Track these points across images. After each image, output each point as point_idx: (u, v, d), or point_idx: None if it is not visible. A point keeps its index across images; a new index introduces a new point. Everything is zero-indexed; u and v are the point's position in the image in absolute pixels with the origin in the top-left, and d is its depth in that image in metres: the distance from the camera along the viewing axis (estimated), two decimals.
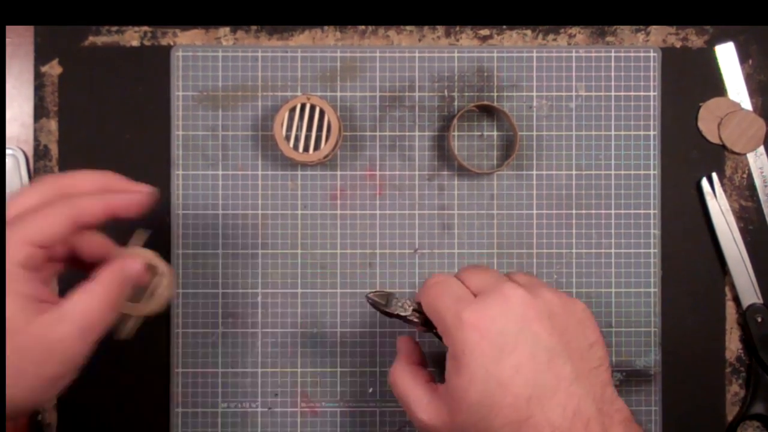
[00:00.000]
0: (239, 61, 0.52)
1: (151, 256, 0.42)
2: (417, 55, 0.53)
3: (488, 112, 0.53)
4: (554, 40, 0.53)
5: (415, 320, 0.42)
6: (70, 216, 0.38)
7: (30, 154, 0.52)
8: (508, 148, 0.53)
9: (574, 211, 0.53)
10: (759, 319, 0.51)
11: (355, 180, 0.53)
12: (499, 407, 0.37)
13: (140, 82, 0.52)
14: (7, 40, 0.53)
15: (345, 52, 0.53)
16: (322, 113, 0.50)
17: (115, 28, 0.52)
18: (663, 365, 0.52)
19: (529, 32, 0.53)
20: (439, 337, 0.41)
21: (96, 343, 0.38)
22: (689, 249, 0.52)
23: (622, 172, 0.53)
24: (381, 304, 0.43)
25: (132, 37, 0.52)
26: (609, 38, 0.53)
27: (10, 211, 0.39)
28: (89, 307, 0.38)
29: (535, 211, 0.53)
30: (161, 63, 0.52)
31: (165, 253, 0.52)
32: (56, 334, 0.36)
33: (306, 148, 0.50)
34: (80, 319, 0.37)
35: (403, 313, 0.42)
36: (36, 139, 0.52)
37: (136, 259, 0.41)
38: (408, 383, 0.42)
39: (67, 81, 0.52)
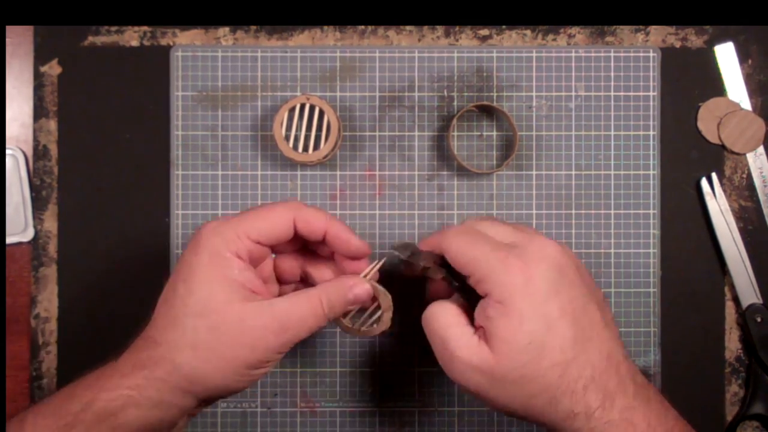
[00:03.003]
0: (239, 61, 0.52)
1: (379, 287, 0.44)
2: (416, 55, 0.53)
3: (488, 112, 0.53)
4: (554, 40, 0.53)
5: (440, 275, 0.42)
6: (289, 219, 0.41)
7: (30, 154, 0.52)
8: (507, 148, 0.53)
9: (573, 211, 0.53)
10: (758, 319, 0.51)
11: (354, 180, 0.53)
12: (549, 348, 0.38)
13: (140, 82, 0.52)
14: (7, 40, 0.53)
15: (344, 52, 0.53)
16: (321, 113, 0.50)
17: (114, 28, 0.52)
18: (663, 365, 0.52)
19: (528, 32, 0.53)
20: (465, 291, 0.41)
21: (294, 345, 0.40)
22: (689, 249, 0.52)
23: (622, 172, 0.53)
24: (406, 254, 0.43)
25: (131, 37, 0.52)
26: (609, 38, 0.53)
27: (242, 213, 0.42)
28: (297, 309, 0.40)
29: (534, 211, 0.52)
30: (161, 63, 0.52)
31: (165, 252, 0.52)
32: (254, 321, 0.39)
33: (306, 148, 0.50)
34: (282, 316, 0.39)
35: (428, 265, 0.43)
36: (36, 139, 0.52)
37: (364, 285, 0.43)
38: (449, 320, 0.41)
39: (66, 81, 0.52)
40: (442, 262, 0.42)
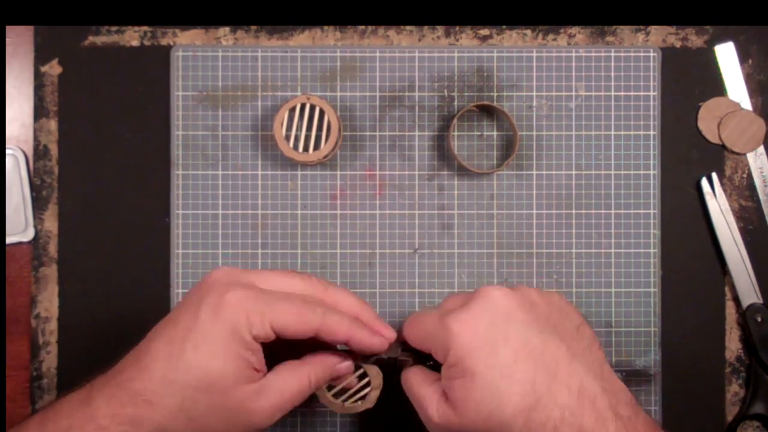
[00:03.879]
0: (239, 61, 0.52)
1: (373, 367, 0.44)
2: (417, 55, 0.53)
3: (488, 112, 0.53)
4: (554, 40, 0.53)
5: (407, 358, 0.44)
6: (315, 328, 0.40)
7: (30, 154, 0.52)
8: (507, 147, 0.53)
9: (573, 211, 0.53)
10: (759, 319, 0.51)
11: (354, 180, 0.52)
12: (507, 396, 0.37)
13: (140, 82, 0.52)
14: (7, 40, 0.53)
15: (345, 52, 0.53)
16: (321, 113, 0.50)
17: (115, 28, 0.52)
18: (663, 365, 0.52)
19: (528, 32, 0.53)
20: (435, 368, 0.42)
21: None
22: (689, 249, 0.52)
23: (622, 172, 0.53)
24: (388, 354, 0.44)
25: (132, 37, 0.52)
26: (609, 38, 0.53)
27: (270, 280, 0.41)
28: (289, 389, 0.40)
29: (534, 211, 0.52)
30: (161, 63, 0.52)
31: (165, 253, 0.52)
32: (253, 404, 0.39)
33: (306, 148, 0.50)
34: (277, 398, 0.40)
35: (394, 355, 0.44)
36: (36, 139, 0.52)
37: (347, 361, 0.43)
38: (419, 383, 0.42)
39: (66, 81, 0.52)
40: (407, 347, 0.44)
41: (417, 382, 0.42)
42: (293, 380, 0.41)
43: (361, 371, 0.44)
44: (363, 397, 0.45)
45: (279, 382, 0.40)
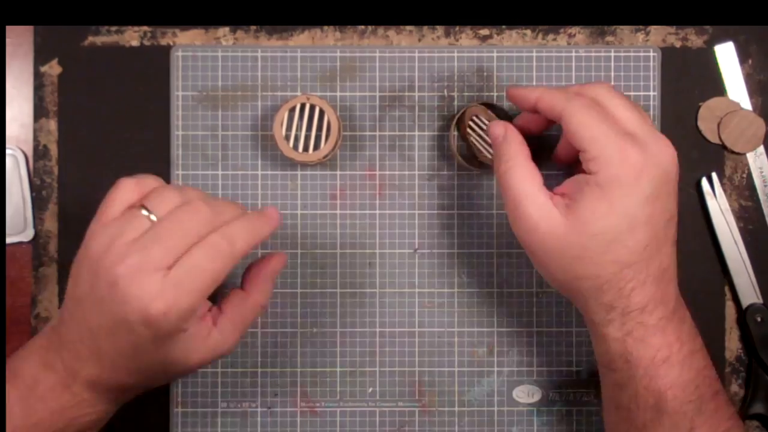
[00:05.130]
0: (239, 61, 0.52)
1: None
2: (417, 55, 0.53)
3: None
4: (554, 40, 0.53)
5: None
6: (231, 267, 0.41)
7: (30, 154, 0.52)
8: None
9: None
10: (759, 319, 0.51)
11: (354, 180, 0.53)
12: (619, 245, 0.40)
13: (140, 82, 0.52)
14: (7, 40, 0.53)
15: (345, 52, 0.53)
16: (321, 113, 0.50)
17: (114, 28, 0.52)
18: None
19: (528, 32, 0.53)
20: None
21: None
22: (689, 249, 0.52)
23: None
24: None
25: (132, 37, 0.52)
26: (609, 38, 0.53)
27: (168, 248, 0.39)
28: (242, 322, 0.44)
29: None
30: (161, 63, 0.52)
31: None
32: (217, 352, 0.43)
33: (306, 148, 0.50)
34: (235, 336, 0.43)
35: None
36: (35, 139, 0.52)
37: (279, 255, 0.47)
38: (526, 177, 0.43)
39: (66, 81, 0.52)
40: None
41: (522, 177, 0.43)
42: (245, 317, 0.44)
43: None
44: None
45: (230, 326, 0.43)
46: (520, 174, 0.43)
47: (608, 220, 0.40)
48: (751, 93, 0.53)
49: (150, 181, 0.42)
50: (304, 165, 0.52)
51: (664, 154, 0.41)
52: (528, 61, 0.53)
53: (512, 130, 0.45)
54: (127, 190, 0.42)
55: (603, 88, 0.44)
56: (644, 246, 0.40)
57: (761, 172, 0.52)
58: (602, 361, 0.43)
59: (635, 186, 0.40)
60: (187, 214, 0.40)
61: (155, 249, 0.38)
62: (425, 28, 0.53)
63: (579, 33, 0.53)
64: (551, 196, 0.42)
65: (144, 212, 0.40)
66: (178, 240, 0.39)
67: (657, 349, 0.40)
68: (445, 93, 0.53)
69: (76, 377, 0.40)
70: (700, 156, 0.53)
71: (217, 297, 0.44)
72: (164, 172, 0.52)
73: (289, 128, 0.50)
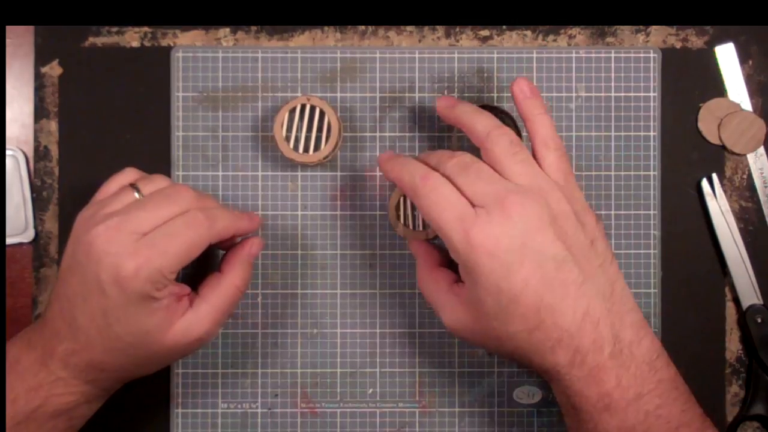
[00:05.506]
0: (239, 62, 0.52)
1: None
2: (417, 55, 0.53)
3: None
4: (554, 40, 0.53)
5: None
6: (205, 244, 0.42)
7: (30, 154, 0.52)
8: None
9: None
10: (759, 320, 0.51)
11: (355, 181, 0.53)
12: (511, 317, 0.39)
13: (140, 82, 0.52)
14: (7, 40, 0.53)
15: (345, 53, 0.53)
16: (322, 114, 0.50)
17: (115, 29, 0.52)
18: None
19: (529, 33, 0.53)
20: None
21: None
22: (689, 250, 0.52)
23: (622, 173, 0.53)
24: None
25: (132, 37, 0.52)
26: (609, 39, 0.53)
27: (147, 218, 0.41)
28: (219, 305, 0.44)
29: None
30: (161, 64, 0.52)
31: None
32: (191, 334, 0.43)
33: (306, 149, 0.50)
34: (210, 320, 0.43)
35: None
36: (36, 139, 0.52)
37: (256, 240, 0.47)
38: (432, 289, 0.44)
39: (67, 82, 0.52)
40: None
41: (430, 289, 0.45)
42: (221, 298, 0.44)
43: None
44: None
45: (205, 306, 0.43)
46: (428, 286, 0.45)
47: (489, 302, 0.39)
48: (752, 94, 0.53)
49: (158, 180, 0.46)
50: (305, 166, 0.52)
51: (510, 213, 0.39)
52: (528, 62, 0.53)
53: (416, 246, 0.47)
54: (127, 175, 0.46)
55: (465, 157, 0.42)
56: (536, 309, 0.39)
57: (761, 173, 0.53)
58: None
59: (491, 264, 0.39)
60: (173, 190, 0.43)
61: (135, 214, 0.41)
62: (426, 28, 0.53)
63: (579, 34, 0.53)
64: (457, 293, 0.43)
65: (134, 192, 0.43)
66: (159, 211, 0.41)
67: (596, 399, 0.39)
68: (446, 94, 0.53)
69: (53, 354, 0.41)
70: (700, 157, 0.53)
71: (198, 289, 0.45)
72: (164, 173, 0.52)
73: (289, 129, 0.50)
